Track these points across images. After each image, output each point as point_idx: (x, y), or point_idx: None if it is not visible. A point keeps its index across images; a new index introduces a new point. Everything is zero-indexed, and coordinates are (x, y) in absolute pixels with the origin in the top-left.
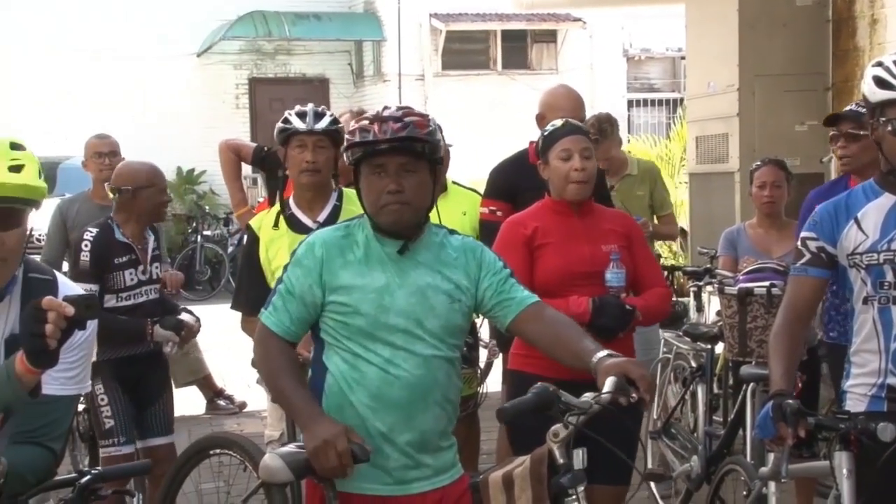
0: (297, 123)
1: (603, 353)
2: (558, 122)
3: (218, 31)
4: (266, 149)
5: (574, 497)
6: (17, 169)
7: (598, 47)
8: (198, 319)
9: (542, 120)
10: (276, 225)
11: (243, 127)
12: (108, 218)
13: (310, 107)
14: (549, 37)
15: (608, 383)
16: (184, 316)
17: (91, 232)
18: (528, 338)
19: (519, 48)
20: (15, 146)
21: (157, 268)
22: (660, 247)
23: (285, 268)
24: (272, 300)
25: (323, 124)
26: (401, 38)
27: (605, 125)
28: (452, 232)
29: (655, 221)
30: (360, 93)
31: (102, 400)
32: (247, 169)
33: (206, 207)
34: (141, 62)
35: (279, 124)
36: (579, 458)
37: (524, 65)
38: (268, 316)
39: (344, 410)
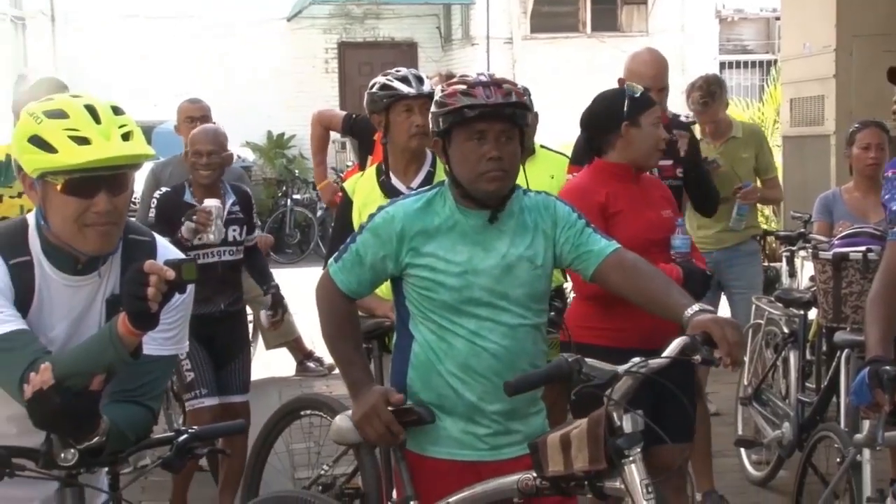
0: (404, 88)
1: (694, 308)
2: (640, 89)
3: None
4: (355, 116)
5: (631, 458)
6: (127, 136)
7: (689, 8)
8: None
9: (622, 84)
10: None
11: (332, 91)
12: (186, 180)
13: (407, 71)
14: None
15: (672, 346)
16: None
17: (161, 191)
18: (613, 288)
19: (608, 10)
20: (117, 110)
21: (234, 230)
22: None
23: (361, 227)
24: (344, 256)
25: (427, 87)
26: (489, 1)
27: (715, 87)
28: (526, 191)
29: (759, 185)
30: (448, 56)
31: (182, 354)
32: (334, 133)
33: (296, 171)
34: (232, 27)
35: (377, 91)
36: (636, 420)
37: (614, 27)
38: (336, 271)
39: (432, 381)
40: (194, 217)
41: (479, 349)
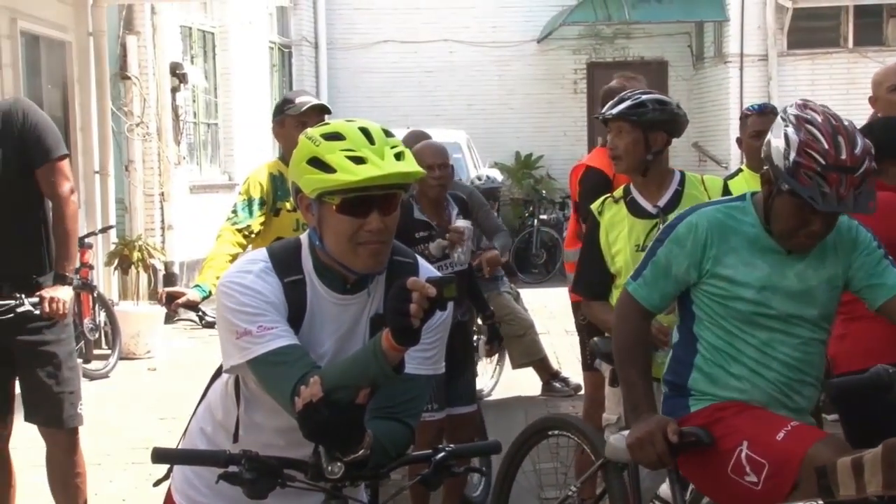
0: (605, 109)
1: None
2: None
3: (558, 16)
4: None
5: None
6: (399, 157)
7: None
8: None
9: (874, 102)
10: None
11: (580, 112)
12: (410, 196)
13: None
14: None
15: None
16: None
17: None
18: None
19: (873, 24)
20: (387, 133)
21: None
22: None
23: (660, 239)
24: (643, 272)
25: (616, 109)
26: (744, 18)
27: None
28: None
29: None
30: (700, 75)
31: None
32: None
33: (543, 192)
34: (483, 49)
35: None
36: None
37: (878, 41)
38: (636, 288)
39: (717, 382)
40: (447, 235)
41: (768, 358)
